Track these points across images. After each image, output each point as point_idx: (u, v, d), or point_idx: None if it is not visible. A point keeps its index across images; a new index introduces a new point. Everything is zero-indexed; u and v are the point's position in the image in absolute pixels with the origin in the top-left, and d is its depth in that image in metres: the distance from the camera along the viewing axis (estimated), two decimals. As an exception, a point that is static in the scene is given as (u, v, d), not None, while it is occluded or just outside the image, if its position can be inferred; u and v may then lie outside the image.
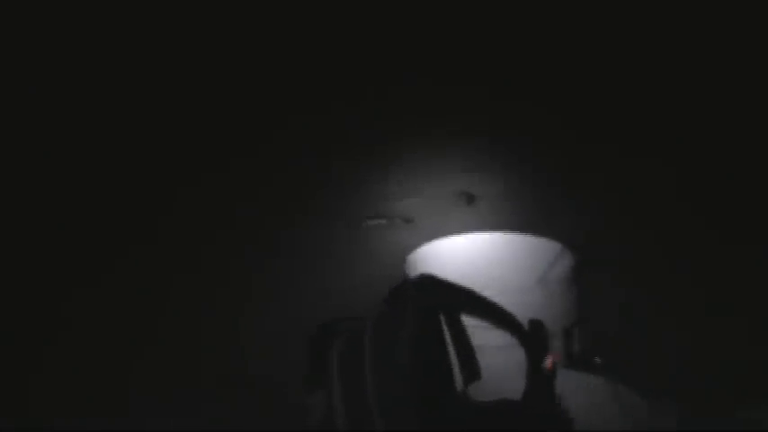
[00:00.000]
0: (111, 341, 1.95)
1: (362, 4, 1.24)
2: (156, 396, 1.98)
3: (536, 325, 1.28)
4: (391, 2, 1.24)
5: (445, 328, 1.25)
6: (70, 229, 1.63)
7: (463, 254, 1.50)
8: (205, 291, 1.79)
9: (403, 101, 1.39)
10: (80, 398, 2.07)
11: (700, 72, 1.33)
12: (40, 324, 1.90)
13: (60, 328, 1.93)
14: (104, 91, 1.33)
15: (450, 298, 1.25)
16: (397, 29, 1.27)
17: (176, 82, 1.33)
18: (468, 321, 1.27)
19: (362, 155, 1.50)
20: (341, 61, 1.31)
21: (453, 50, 1.30)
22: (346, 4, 1.24)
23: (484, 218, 1.56)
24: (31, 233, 1.64)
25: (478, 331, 1.28)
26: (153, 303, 1.84)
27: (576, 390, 1.31)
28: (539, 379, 1.25)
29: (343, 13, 1.25)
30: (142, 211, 1.59)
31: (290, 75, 1.34)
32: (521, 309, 1.32)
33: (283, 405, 1.70)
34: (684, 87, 1.33)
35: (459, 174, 1.52)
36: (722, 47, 1.28)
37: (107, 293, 1.80)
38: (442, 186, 1.53)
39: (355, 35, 1.26)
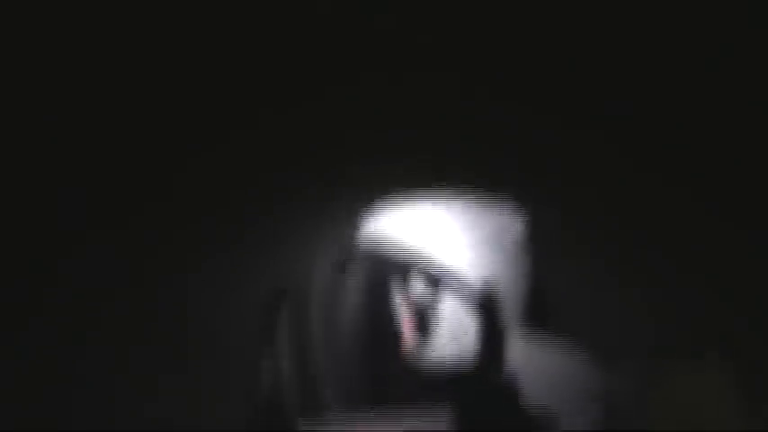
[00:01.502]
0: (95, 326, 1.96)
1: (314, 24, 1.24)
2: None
3: (488, 286, 1.28)
4: (348, 22, 1.24)
5: (395, 290, 1.25)
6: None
7: (422, 209, 1.47)
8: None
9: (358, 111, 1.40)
10: (78, 395, 2.07)
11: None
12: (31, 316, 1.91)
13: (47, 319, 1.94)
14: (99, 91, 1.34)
15: (398, 261, 1.26)
16: (343, 44, 1.28)
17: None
18: (420, 284, 1.27)
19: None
20: (301, 77, 1.31)
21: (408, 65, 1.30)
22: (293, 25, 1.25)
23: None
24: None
25: (430, 293, 1.28)
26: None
27: (529, 354, 1.31)
28: (489, 340, 1.25)
29: (289, 31, 1.26)
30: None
31: (243, 88, 1.34)
32: (477, 269, 1.31)
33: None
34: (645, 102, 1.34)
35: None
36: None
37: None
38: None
39: (313, 53, 1.27)
